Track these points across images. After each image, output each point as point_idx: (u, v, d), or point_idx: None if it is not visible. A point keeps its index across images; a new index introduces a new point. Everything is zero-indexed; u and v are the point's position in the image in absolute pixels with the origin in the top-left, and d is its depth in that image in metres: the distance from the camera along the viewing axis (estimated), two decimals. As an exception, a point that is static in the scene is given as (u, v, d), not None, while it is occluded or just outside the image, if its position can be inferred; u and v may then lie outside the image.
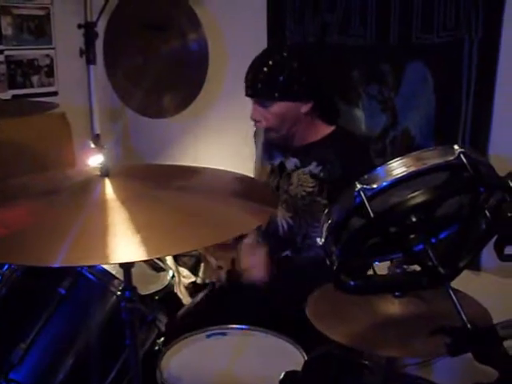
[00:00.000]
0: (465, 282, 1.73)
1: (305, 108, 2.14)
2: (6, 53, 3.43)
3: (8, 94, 3.46)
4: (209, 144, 3.39)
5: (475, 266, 2.48)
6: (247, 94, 2.18)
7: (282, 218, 2.26)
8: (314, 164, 2.18)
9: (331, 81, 2.73)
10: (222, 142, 3.05)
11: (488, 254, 2.39)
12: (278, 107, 2.13)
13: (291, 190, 2.22)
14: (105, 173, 1.31)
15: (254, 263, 2.22)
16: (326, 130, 2.23)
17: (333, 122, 2.26)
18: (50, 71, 3.62)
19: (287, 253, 2.27)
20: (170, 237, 1.18)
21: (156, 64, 3.07)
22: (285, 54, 2.17)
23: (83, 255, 1.11)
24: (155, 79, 3.08)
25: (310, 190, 2.17)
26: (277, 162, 2.30)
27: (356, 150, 2.19)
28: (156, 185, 1.40)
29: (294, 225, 2.24)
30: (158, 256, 1.55)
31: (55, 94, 3.66)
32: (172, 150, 3.57)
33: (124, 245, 1.14)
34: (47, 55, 3.58)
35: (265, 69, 2.13)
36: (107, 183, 1.31)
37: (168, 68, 3.04)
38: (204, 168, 1.67)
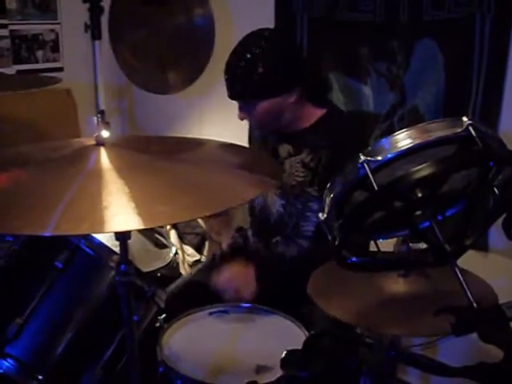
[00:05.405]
0: (472, 262, 1.71)
1: (291, 97, 2.04)
2: (11, 27, 3.39)
3: (12, 69, 3.42)
4: (214, 120, 3.36)
5: (483, 246, 2.45)
6: (229, 97, 2.09)
7: (275, 205, 2.20)
8: (306, 152, 2.10)
9: (329, 60, 2.69)
10: (228, 118, 3.02)
11: (496, 234, 2.37)
12: (262, 106, 2.04)
13: (284, 177, 2.14)
14: (100, 142, 1.28)
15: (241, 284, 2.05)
16: (317, 113, 2.14)
17: (323, 104, 2.16)
18: (55, 46, 3.57)
19: (277, 238, 2.20)
20: (167, 206, 1.15)
21: (161, 40, 3.03)
22: (255, 51, 1.99)
23: (76, 224, 1.07)
24: (160, 55, 3.05)
25: (301, 179, 2.10)
26: (269, 147, 2.22)
27: (345, 134, 2.08)
28: (154, 155, 1.36)
29: (285, 213, 2.17)
30: (153, 225, 1.51)
31: (61, 69, 3.62)
32: (177, 127, 3.54)
33: (119, 214, 1.10)
34: (52, 30, 3.54)
35: (238, 71, 2.02)
36: (102, 152, 1.27)
37: (173, 44, 3.01)
38: (205, 140, 1.63)
